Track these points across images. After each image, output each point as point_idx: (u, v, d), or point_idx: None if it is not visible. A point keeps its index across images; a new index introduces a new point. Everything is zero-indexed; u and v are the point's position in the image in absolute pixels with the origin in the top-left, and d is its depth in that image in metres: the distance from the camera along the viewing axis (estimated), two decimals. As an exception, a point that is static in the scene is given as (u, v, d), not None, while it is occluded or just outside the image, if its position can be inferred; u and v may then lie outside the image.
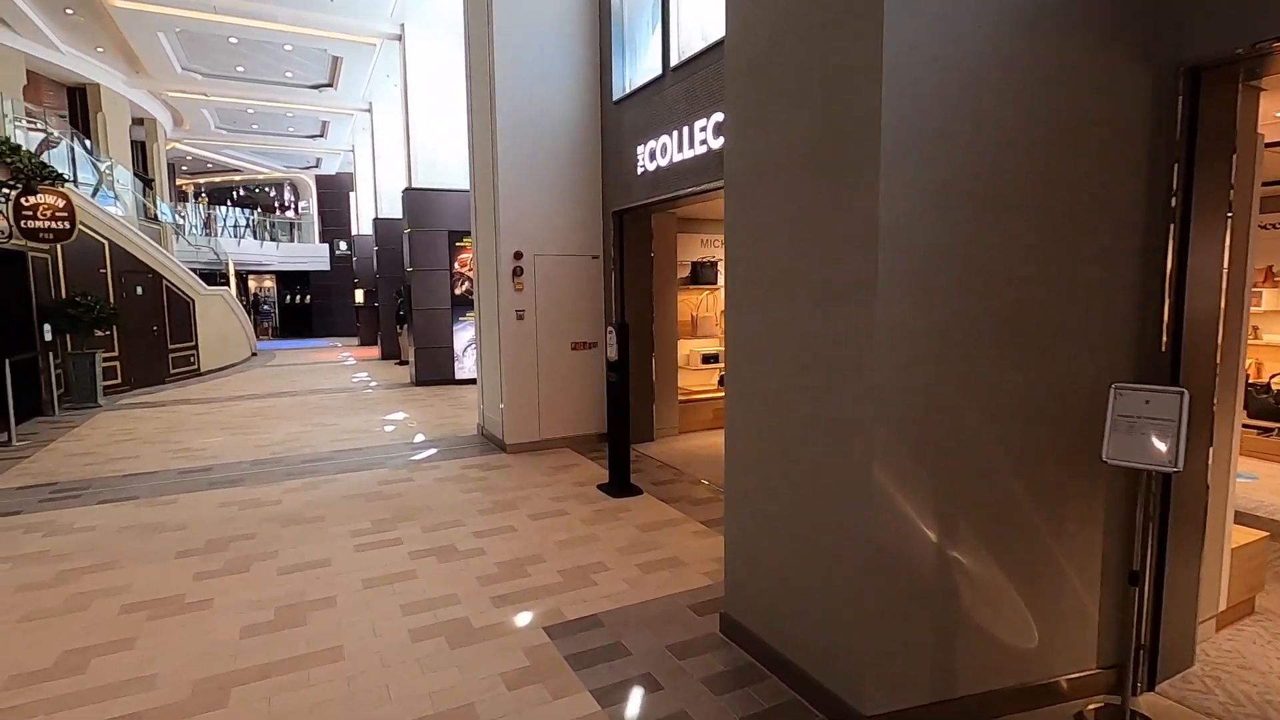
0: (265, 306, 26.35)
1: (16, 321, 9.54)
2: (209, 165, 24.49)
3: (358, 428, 8.58)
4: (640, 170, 6.56)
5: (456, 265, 12.18)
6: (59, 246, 10.53)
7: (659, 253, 7.47)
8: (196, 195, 26.50)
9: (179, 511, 5.35)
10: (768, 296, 2.92)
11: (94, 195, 12.91)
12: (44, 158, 11.83)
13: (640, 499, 5.51)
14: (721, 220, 5.44)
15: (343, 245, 22.57)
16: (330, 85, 15.56)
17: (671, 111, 6.04)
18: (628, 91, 6.80)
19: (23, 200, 8.53)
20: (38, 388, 9.69)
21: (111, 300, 11.58)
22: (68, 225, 8.80)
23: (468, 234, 12.18)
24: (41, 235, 8.67)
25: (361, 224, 20.64)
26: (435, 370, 12.28)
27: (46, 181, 8.82)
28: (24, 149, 8.76)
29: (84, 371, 10.35)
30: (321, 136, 20.07)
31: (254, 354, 18.51)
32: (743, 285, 3.11)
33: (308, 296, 25.38)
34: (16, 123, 10.48)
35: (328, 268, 25.58)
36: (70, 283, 10.72)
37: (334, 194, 26.21)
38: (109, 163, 14.19)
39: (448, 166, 12.08)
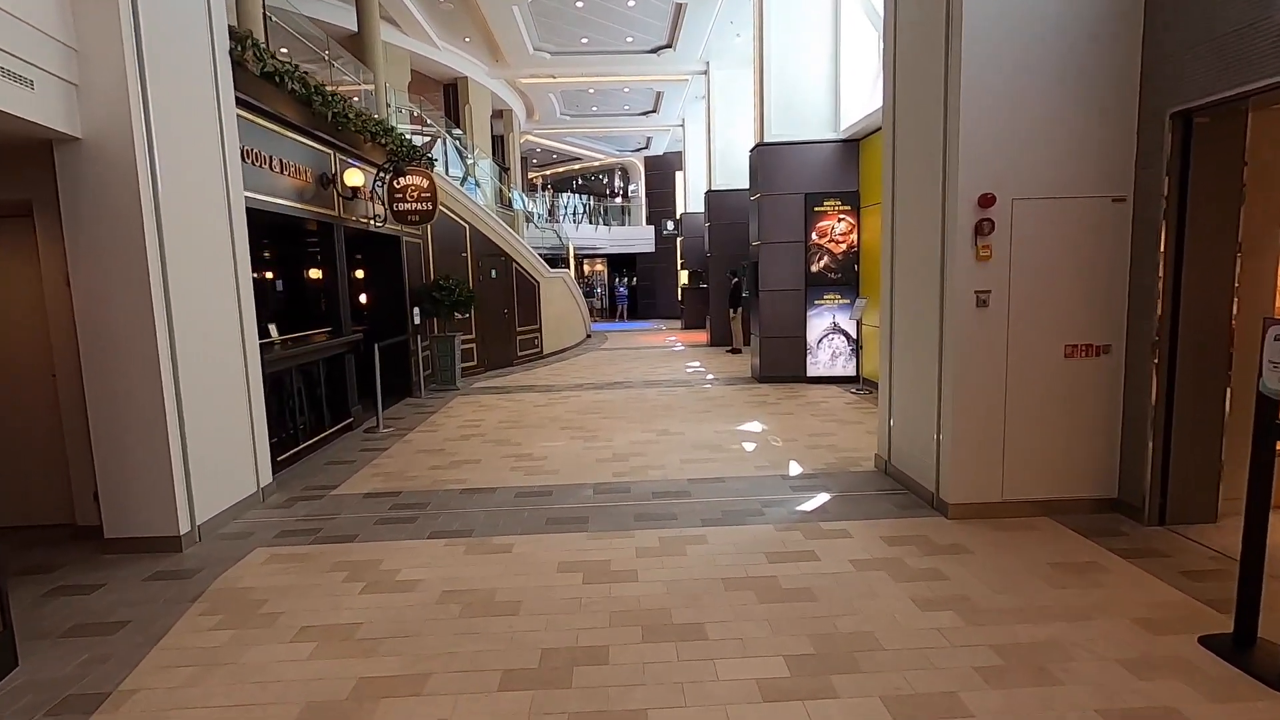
0: (598, 289, 27.53)
1: (390, 304, 9.84)
2: (554, 157, 26.08)
3: (709, 441, 6.78)
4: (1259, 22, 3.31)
5: (814, 235, 9.81)
6: (429, 230, 10.80)
7: (1261, 183, 4.05)
8: (544, 187, 28.70)
9: (511, 570, 3.89)
10: None
11: (461, 184, 13.48)
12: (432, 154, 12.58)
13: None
14: None
15: (669, 225, 22.05)
16: (669, 46, 14.38)
17: None
18: None
19: (395, 183, 8.46)
20: (408, 370, 9.94)
21: (471, 284, 11.78)
22: (430, 206, 8.60)
23: (829, 196, 9.70)
24: (410, 217, 8.58)
25: (689, 201, 19.64)
26: (782, 365, 10.15)
27: (413, 163, 8.69)
28: (395, 131, 8.72)
29: (446, 354, 10.48)
30: (654, 112, 19.45)
31: (588, 335, 18.73)
32: None
33: (634, 278, 25.70)
34: (397, 111, 10.98)
35: (652, 249, 25.54)
36: (438, 266, 10.98)
37: (661, 175, 26.03)
38: (475, 153, 14.94)
39: (809, 108, 9.75)
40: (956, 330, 4.43)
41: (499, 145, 18.68)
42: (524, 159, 24.99)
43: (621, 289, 26.55)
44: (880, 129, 8.79)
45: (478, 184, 14.70)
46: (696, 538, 4.31)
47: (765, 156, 9.87)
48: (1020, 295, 4.39)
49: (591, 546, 4.22)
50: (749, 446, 6.51)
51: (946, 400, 4.54)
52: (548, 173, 29.18)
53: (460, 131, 15.12)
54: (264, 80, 5.68)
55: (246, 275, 5.22)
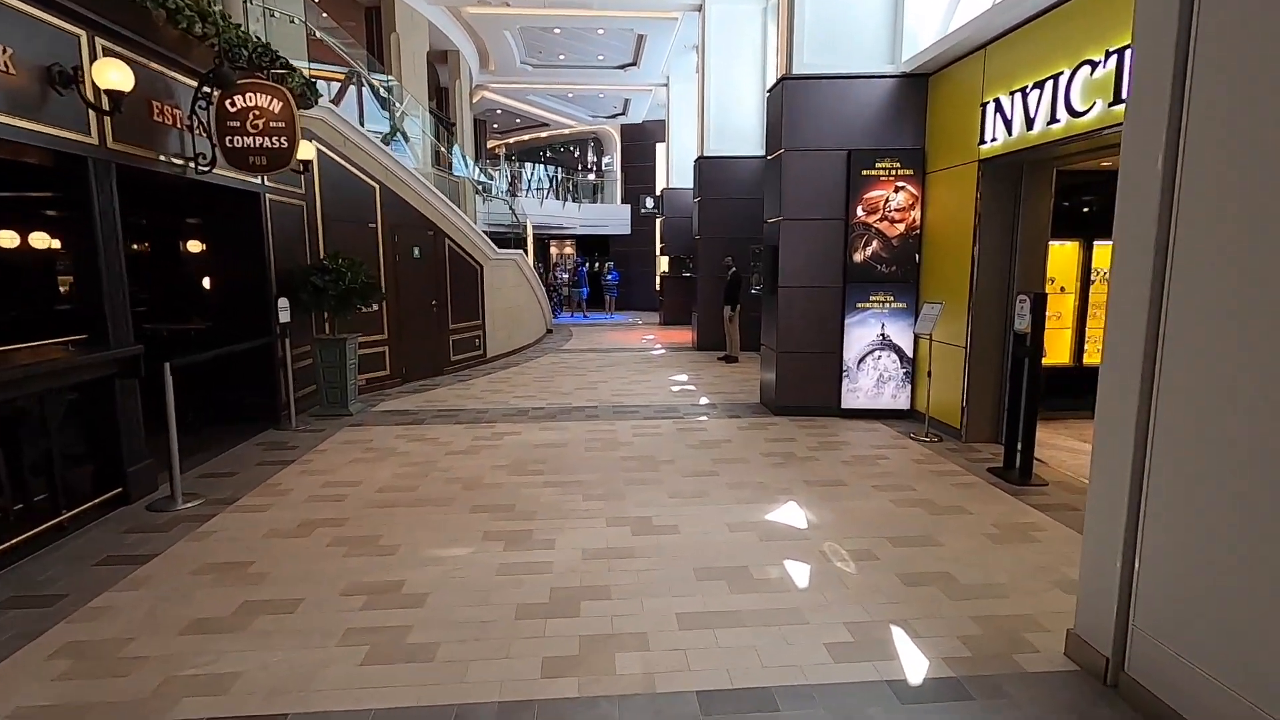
0: (564, 275, 23.47)
1: (246, 294, 6.72)
2: (517, 121, 22.80)
3: (723, 555, 3.87)
4: None
5: (860, 210, 6.92)
6: (314, 186, 7.65)
7: None
8: (508, 157, 25.33)
9: None
10: None
11: (386, 143, 10.33)
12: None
13: None
14: None
15: (649, 202, 19.02)
16: (654, -32, 11.31)
17: None
18: None
19: (228, 104, 5.32)
20: (272, 389, 6.84)
21: (381, 265, 8.66)
22: (285, 143, 5.48)
23: (884, 155, 6.81)
24: (251, 159, 5.45)
25: (673, 176, 16.65)
26: (807, 390, 7.29)
27: (257, 73, 5.55)
28: (231, 20, 5.56)
29: (334, 365, 7.38)
30: (633, 65, 16.32)
31: (549, 331, 15.69)
32: None
33: (607, 264, 22.53)
34: (268, 15, 7.75)
35: (628, 230, 22.49)
36: (331, 240, 7.86)
37: (639, 145, 22.93)
38: (403, 100, 11.71)
39: (857, 30, 6.82)
40: None
41: (442, 98, 15.43)
42: (480, 122, 21.68)
43: (612, 275, 21.48)
44: (961, 59, 5.91)
45: (407, 140, 11.51)
46: None
47: (794, 96, 6.92)
48: None
49: None
50: (800, 580, 3.60)
51: None
52: (511, 141, 25.86)
53: (389, 77, 11.87)
54: None
55: None
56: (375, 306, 8.44)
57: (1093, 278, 7.00)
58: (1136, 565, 2.56)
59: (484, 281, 10.98)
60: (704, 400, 8.24)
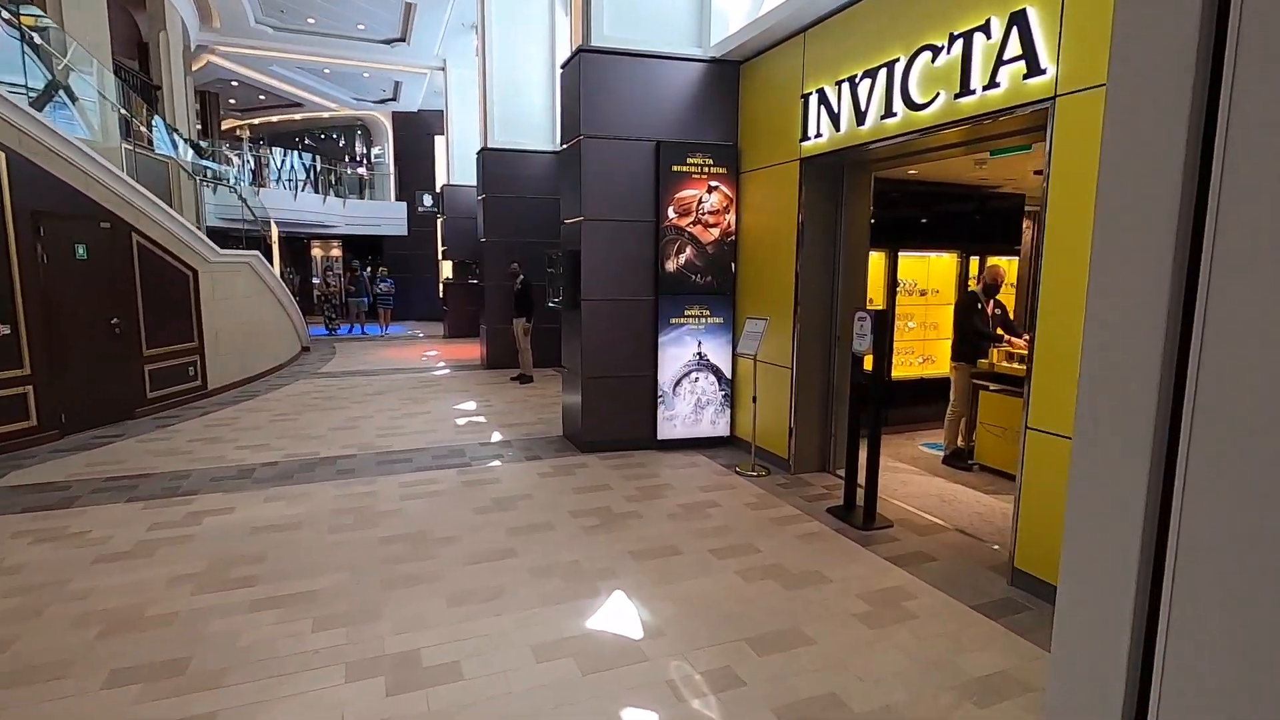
0: (337, 282, 18.78)
1: None
2: (262, 99, 19.18)
3: None
4: None
5: (671, 212, 6.01)
6: None
7: None
8: (257, 141, 21.28)
9: None
10: None
11: (41, 106, 7.44)
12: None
13: None
14: None
15: (427, 200, 16.91)
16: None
17: None
18: None
19: None
20: None
21: (15, 269, 5.98)
22: None
23: (695, 150, 5.98)
24: None
25: (455, 172, 14.86)
26: (616, 422, 6.22)
27: None
28: None
29: (-92, 424, 4.74)
30: (402, 40, 14.21)
31: (305, 349, 13.05)
32: None
33: (381, 269, 19.64)
34: None
35: (404, 231, 20.05)
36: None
37: (415, 137, 20.58)
38: (67, 49, 8.65)
39: (661, 5, 5.89)
40: None
41: (143, 56, 12.09)
42: (209, 95, 17.89)
43: (385, 282, 16.89)
44: (777, 45, 5.26)
45: (74, 101, 8.48)
46: None
47: (593, 71, 5.80)
48: None
49: None
50: (645, 740, 2.43)
51: None
52: (256, 122, 21.89)
53: (42, 13, 8.69)
54: None
55: None
56: (5, 329, 5.78)
57: (899, 289, 6.85)
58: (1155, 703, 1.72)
59: (200, 291, 8.42)
60: (496, 437, 6.81)
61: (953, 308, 6.22)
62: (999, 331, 5.72)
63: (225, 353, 9.03)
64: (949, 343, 7.26)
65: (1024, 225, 7.54)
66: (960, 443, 5.85)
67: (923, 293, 7.13)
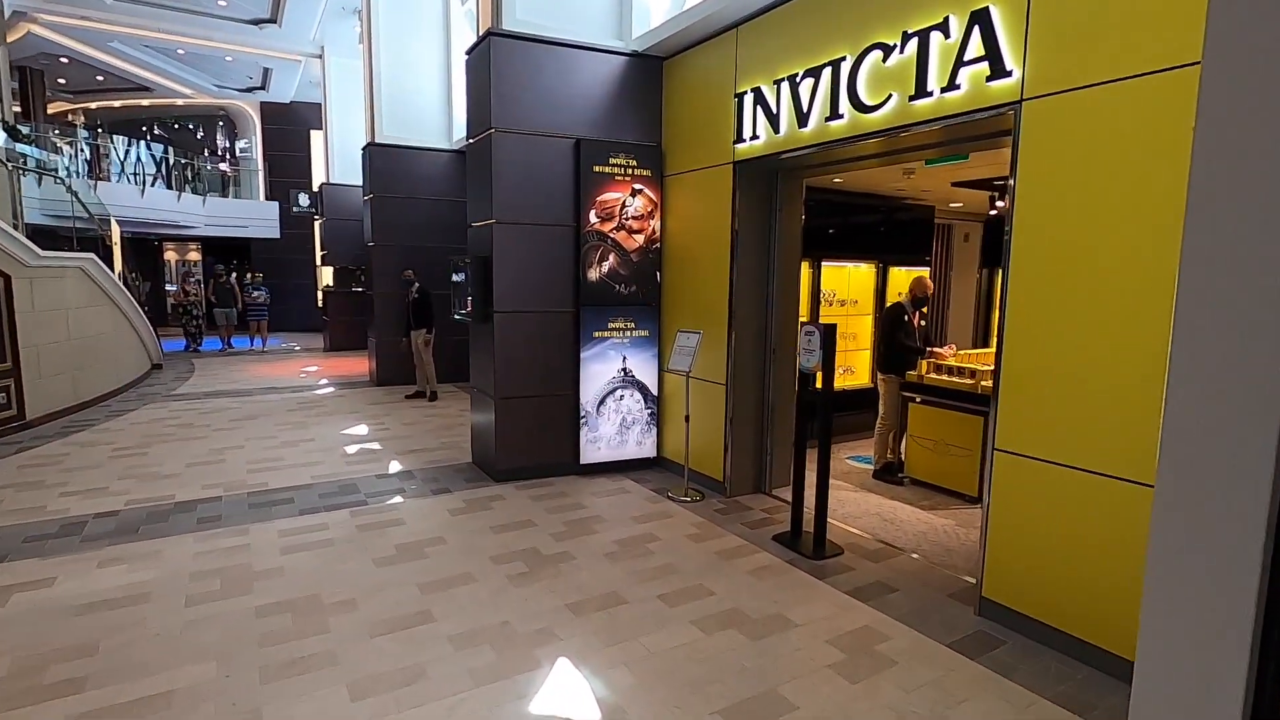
0: (197, 292, 16.34)
1: None
2: (99, 80, 16.78)
3: None
4: None
5: (593, 216, 5.51)
6: None
7: None
8: (96, 127, 18.52)
9: None
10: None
11: None
12: None
13: None
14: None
15: (303, 199, 15.38)
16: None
17: None
18: None
19: None
20: None
21: None
22: None
23: (617, 149, 5.55)
24: None
25: (336, 169, 13.58)
26: (536, 445, 5.63)
27: None
28: None
29: None
30: (272, 22, 12.78)
31: (156, 366, 11.37)
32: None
33: (251, 275, 17.55)
34: None
35: (276, 234, 18.24)
36: None
37: (288, 131, 18.81)
38: None
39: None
40: None
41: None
42: (31, 71, 15.45)
43: (257, 290, 14.97)
44: (706, 41, 4.95)
45: None
46: None
47: (506, 58, 5.21)
48: None
49: None
50: None
51: None
52: (94, 106, 19.21)
53: None
54: None
55: None
56: None
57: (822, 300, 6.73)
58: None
59: (14, 300, 6.97)
60: (395, 467, 6.01)
61: (877, 319, 6.14)
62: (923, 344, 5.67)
63: (50, 374, 7.55)
64: (868, 353, 7.27)
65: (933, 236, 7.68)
66: (890, 456, 5.75)
67: (843, 303, 7.07)
